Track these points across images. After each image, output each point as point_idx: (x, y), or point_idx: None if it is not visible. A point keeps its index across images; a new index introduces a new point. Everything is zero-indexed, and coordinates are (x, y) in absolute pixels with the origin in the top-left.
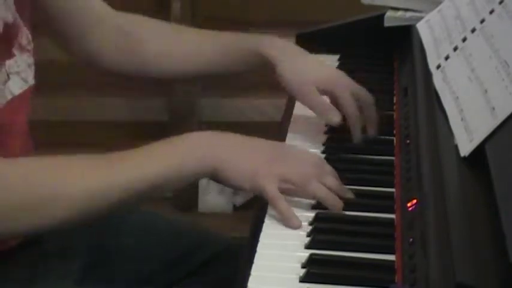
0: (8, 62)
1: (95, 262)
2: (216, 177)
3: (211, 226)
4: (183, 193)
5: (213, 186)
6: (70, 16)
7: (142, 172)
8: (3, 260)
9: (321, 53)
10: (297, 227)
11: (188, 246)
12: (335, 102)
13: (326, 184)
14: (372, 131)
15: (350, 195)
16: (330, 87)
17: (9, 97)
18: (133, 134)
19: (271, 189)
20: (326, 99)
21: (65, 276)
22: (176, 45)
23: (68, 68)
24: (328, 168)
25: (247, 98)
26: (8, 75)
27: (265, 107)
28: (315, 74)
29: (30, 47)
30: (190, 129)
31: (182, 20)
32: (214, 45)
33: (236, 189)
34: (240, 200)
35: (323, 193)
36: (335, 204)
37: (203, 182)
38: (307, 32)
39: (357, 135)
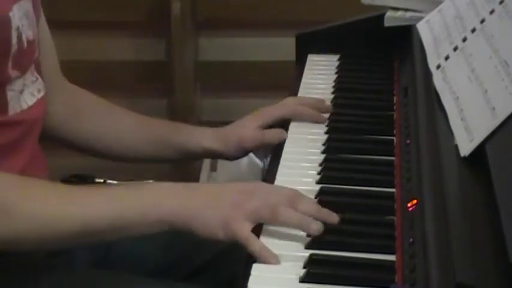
0: (27, 76)
1: (95, 261)
2: (187, 229)
3: None
4: None
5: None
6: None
7: (101, 210)
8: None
9: (321, 53)
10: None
11: (188, 247)
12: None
13: (300, 210)
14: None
15: (334, 219)
16: (272, 114)
17: (25, 106)
18: None
19: (242, 233)
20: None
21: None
22: (111, 128)
23: (64, 72)
24: (304, 197)
25: (247, 98)
26: (24, 86)
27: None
28: (250, 122)
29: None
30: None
31: (182, 20)
32: (149, 136)
33: (210, 240)
34: None
35: (294, 219)
36: (311, 227)
37: (203, 181)
38: (307, 32)
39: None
